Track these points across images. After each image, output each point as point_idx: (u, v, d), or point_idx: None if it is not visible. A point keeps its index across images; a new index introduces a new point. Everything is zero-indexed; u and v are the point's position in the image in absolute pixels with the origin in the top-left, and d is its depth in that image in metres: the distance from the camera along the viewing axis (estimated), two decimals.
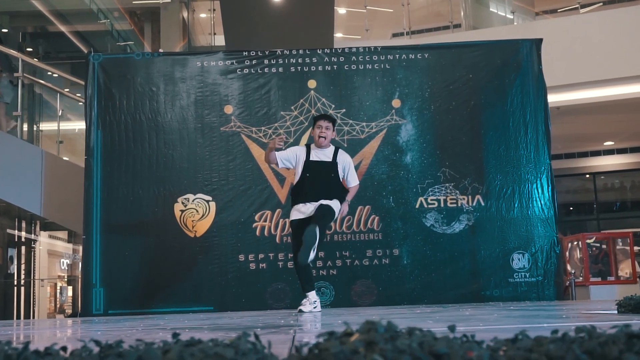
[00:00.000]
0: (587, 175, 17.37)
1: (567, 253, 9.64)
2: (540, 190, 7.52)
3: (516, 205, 7.50)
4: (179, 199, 7.46)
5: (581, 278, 8.87)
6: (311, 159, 5.88)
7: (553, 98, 10.11)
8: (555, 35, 11.75)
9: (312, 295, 5.81)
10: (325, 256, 7.39)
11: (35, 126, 11.07)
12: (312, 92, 7.71)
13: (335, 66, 7.78)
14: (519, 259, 7.39)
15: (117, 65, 7.83)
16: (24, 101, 9.70)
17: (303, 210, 5.80)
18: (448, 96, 7.73)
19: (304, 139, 7.59)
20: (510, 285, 7.37)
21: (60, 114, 10.44)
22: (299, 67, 7.78)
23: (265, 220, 7.45)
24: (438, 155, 7.61)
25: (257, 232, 7.41)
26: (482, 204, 7.51)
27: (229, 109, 7.68)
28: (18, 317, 11.24)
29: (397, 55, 7.82)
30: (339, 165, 5.91)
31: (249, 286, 7.34)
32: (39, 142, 10.80)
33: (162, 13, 13.34)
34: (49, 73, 12.21)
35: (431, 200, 7.53)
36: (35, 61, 11.88)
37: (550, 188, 7.54)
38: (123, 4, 14.95)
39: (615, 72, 12.09)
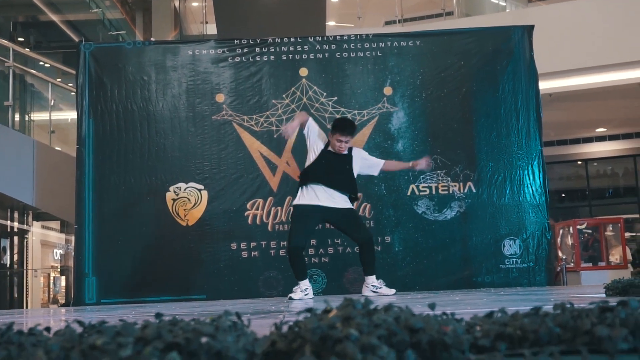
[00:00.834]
0: (580, 162, 17.43)
1: (559, 239, 9.69)
2: (531, 177, 7.54)
3: (507, 192, 7.52)
4: (171, 188, 7.45)
5: (572, 264, 8.92)
6: (328, 148, 5.96)
7: (545, 85, 10.14)
8: (547, 22, 11.76)
9: (304, 283, 5.86)
10: (317, 244, 7.41)
11: (27, 116, 11.04)
12: (303, 80, 7.70)
13: (326, 54, 7.77)
14: (510, 245, 7.42)
15: (108, 54, 7.80)
16: (15, 91, 9.67)
17: (321, 196, 5.84)
18: (440, 83, 7.73)
19: None
20: (502, 271, 7.40)
21: (52, 104, 10.41)
22: (290, 55, 7.77)
23: (257, 209, 7.46)
24: (430, 142, 7.62)
25: (249, 221, 7.42)
26: (474, 190, 7.53)
27: (220, 98, 7.67)
28: (11, 307, 11.25)
29: (389, 43, 7.81)
30: (353, 159, 6.01)
31: (241, 274, 7.35)
32: (31, 132, 10.77)
33: (154, 2, 13.28)
34: (41, 63, 12.18)
35: (423, 187, 7.54)
36: (26, 51, 11.82)
37: (541, 175, 7.56)
38: None
39: (607, 58, 12.13)
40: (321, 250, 7.41)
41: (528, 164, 7.55)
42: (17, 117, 10.35)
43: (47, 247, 16.43)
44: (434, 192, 7.52)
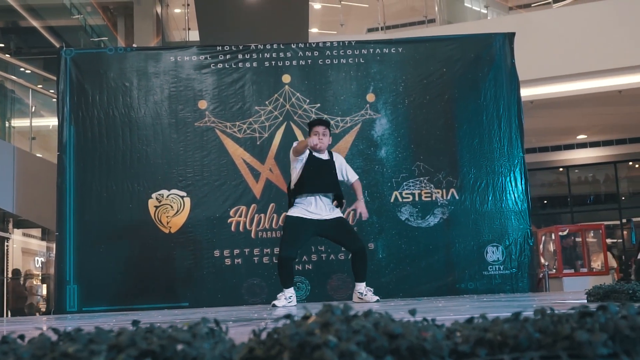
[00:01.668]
0: (561, 169, 17.56)
1: (541, 246, 9.74)
2: (513, 184, 7.58)
3: (490, 198, 7.55)
4: (153, 195, 7.41)
5: (555, 270, 8.97)
6: (313, 154, 5.99)
7: (526, 92, 10.20)
8: (528, 29, 11.86)
9: (289, 291, 5.85)
10: (301, 251, 7.39)
11: (7, 122, 10.94)
12: (286, 86, 7.70)
13: (309, 61, 7.78)
14: (493, 252, 7.45)
15: (89, 60, 7.75)
16: None
17: (312, 210, 5.89)
18: (422, 90, 7.75)
19: (279, 134, 7.58)
20: (485, 277, 7.42)
21: (32, 110, 10.33)
22: (273, 62, 7.76)
23: (240, 216, 7.43)
24: (412, 149, 7.64)
25: (232, 228, 7.39)
26: (457, 197, 7.55)
27: (203, 104, 7.64)
28: None
29: (372, 50, 7.83)
30: (335, 164, 6.09)
31: (224, 282, 7.32)
32: (11, 139, 10.67)
33: (136, 8, 13.22)
34: (22, 69, 12.08)
35: (406, 194, 7.55)
36: (7, 57, 11.72)
37: (523, 181, 7.60)
38: None
39: (587, 65, 12.24)
40: (305, 257, 7.39)
41: (510, 171, 7.59)
42: None
43: (28, 255, 16.27)
44: (417, 198, 7.53)
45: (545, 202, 18.35)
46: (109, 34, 15.10)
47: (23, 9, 14.22)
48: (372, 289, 6.10)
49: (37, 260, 16.62)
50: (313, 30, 15.88)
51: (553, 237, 9.41)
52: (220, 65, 7.73)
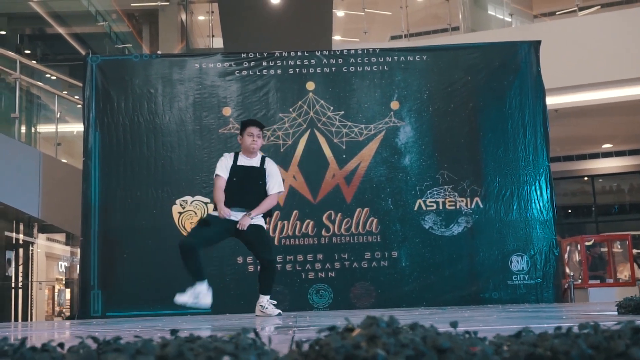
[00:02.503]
0: (586, 178, 17.37)
1: (566, 255, 9.63)
2: (539, 193, 7.51)
3: (515, 207, 7.49)
4: (177, 201, 7.44)
5: (580, 280, 8.86)
6: (238, 163, 5.66)
7: (551, 100, 10.09)
8: (553, 37, 11.75)
9: (202, 286, 5.57)
10: (324, 258, 7.38)
11: (32, 128, 11.05)
12: (310, 94, 7.70)
13: (333, 68, 7.77)
14: (517, 261, 7.38)
15: (115, 66, 7.81)
16: (21, 103, 9.68)
17: (234, 214, 5.56)
18: (446, 98, 7.72)
19: (303, 141, 7.58)
20: (509, 287, 7.36)
21: (58, 116, 10.42)
22: (297, 69, 7.77)
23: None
24: (436, 157, 7.60)
25: None
26: (481, 206, 7.50)
27: (227, 111, 7.67)
28: (16, 320, 11.21)
29: (396, 57, 7.81)
30: (266, 171, 5.68)
31: (247, 288, 7.28)
32: (37, 145, 10.77)
33: (161, 15, 13.33)
34: (47, 75, 12.20)
35: (430, 202, 7.51)
36: (33, 63, 11.85)
37: (549, 190, 7.53)
38: (121, 6, 14.94)
39: (613, 74, 12.10)
40: (328, 265, 7.37)
41: (535, 180, 7.53)
42: (22, 129, 10.36)
43: (52, 260, 16.42)
44: (441, 207, 7.49)
45: (570, 211, 18.17)
46: (134, 41, 15.22)
47: (49, 16, 14.38)
48: (275, 302, 5.81)
49: (61, 265, 16.76)
50: (336, 37, 15.89)
51: (579, 247, 9.30)
52: (244, 73, 7.75)
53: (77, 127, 11.30)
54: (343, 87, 7.74)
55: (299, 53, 7.82)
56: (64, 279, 16.61)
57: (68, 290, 16.53)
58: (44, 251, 15.17)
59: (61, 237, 15.13)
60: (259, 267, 6.12)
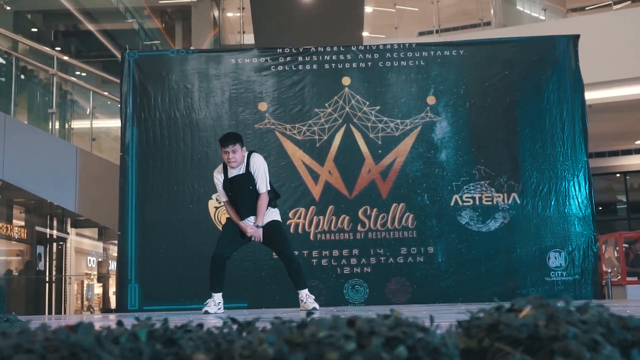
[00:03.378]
0: (618, 175, 17.16)
1: (603, 252, 9.51)
2: (577, 188, 7.43)
3: (553, 203, 7.41)
4: (214, 196, 7.46)
5: (619, 277, 8.75)
6: (228, 176, 5.68)
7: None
8: (587, 32, 11.59)
9: (218, 296, 5.70)
10: (360, 254, 7.37)
11: (66, 124, 11.16)
12: (346, 89, 7.68)
13: (369, 63, 7.75)
14: (555, 258, 7.31)
15: (151, 62, 7.86)
16: (57, 99, 9.78)
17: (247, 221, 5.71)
18: (483, 93, 7.66)
19: (338, 136, 7.57)
20: (547, 284, 7.29)
21: (92, 112, 10.51)
22: (333, 64, 7.76)
23: (299, 218, 7.44)
24: (473, 152, 7.55)
25: (292, 229, 7.39)
26: (518, 201, 7.43)
27: (263, 106, 7.68)
28: (50, 313, 11.33)
29: (432, 52, 7.77)
30: (253, 175, 5.64)
31: (283, 283, 7.26)
32: (71, 140, 10.88)
33: (194, 11, 13.40)
34: (77, 73, 12.31)
35: (466, 198, 7.46)
36: (71, 60, 11.97)
37: (587, 186, 7.45)
38: (150, 3, 15.03)
39: None
40: (363, 260, 7.36)
41: (574, 175, 7.45)
42: (57, 124, 10.47)
43: (84, 255, 16.56)
44: (477, 202, 7.44)
45: (600, 208, 17.96)
46: (162, 38, 15.31)
47: (80, 13, 14.51)
48: (313, 296, 5.85)
49: (92, 260, 16.89)
50: (364, 33, 15.84)
51: (615, 243, 9.19)
52: (280, 68, 7.75)
53: (108, 123, 11.41)
54: (379, 82, 7.71)
55: (335, 48, 7.80)
56: (96, 274, 16.74)
57: (99, 286, 16.67)
58: (76, 246, 15.31)
59: (93, 232, 15.26)
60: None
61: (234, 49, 10.26)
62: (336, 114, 7.62)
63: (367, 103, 7.65)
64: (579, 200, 7.42)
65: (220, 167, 5.79)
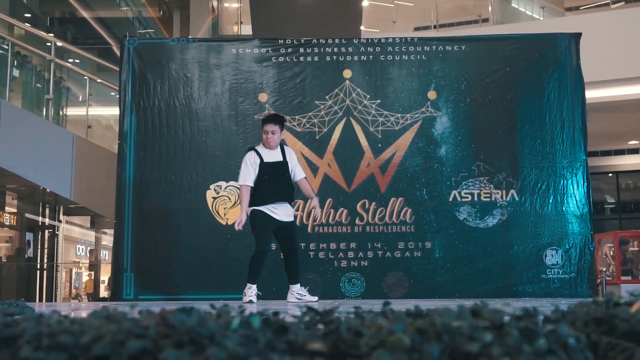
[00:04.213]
0: (610, 174, 17.23)
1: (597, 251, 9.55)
2: (575, 187, 7.44)
3: (551, 201, 7.42)
4: (212, 186, 7.42)
5: (614, 275, 8.80)
6: (265, 161, 6.03)
7: None
8: (583, 31, 11.63)
9: (254, 287, 6.05)
10: (357, 247, 7.35)
11: (61, 111, 11.06)
12: (347, 82, 7.65)
13: (371, 56, 7.71)
14: (552, 255, 7.32)
15: (151, 50, 7.79)
16: (54, 85, 9.67)
17: (274, 211, 6.01)
18: (484, 89, 7.65)
19: (338, 129, 7.54)
20: (543, 281, 7.30)
21: (88, 99, 10.42)
22: (334, 57, 7.72)
23: (297, 210, 7.39)
24: (473, 148, 7.54)
25: None
26: (516, 198, 7.44)
27: (263, 97, 7.63)
28: (40, 300, 11.25)
29: (434, 47, 7.75)
30: (289, 164, 6.12)
31: (279, 275, 7.23)
32: (66, 127, 10.79)
33: (192, 0, 13.29)
34: (70, 60, 12.20)
35: (465, 193, 7.46)
36: (68, 45, 11.85)
37: (585, 184, 7.46)
38: None
39: None
40: (360, 253, 7.34)
41: (572, 174, 7.46)
42: (51, 111, 10.37)
43: (75, 243, 16.46)
44: (476, 198, 7.44)
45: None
46: (156, 27, 15.21)
47: (77, 1, 14.37)
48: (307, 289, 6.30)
49: (84, 248, 16.80)
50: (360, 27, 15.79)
51: (612, 242, 9.23)
52: (281, 59, 7.71)
53: (103, 111, 11.33)
54: (380, 76, 7.68)
55: (336, 40, 7.76)
56: (87, 262, 16.66)
57: (85, 274, 16.59)
58: (68, 234, 15.21)
59: (85, 221, 15.16)
60: (282, 256, 6.32)
61: (234, 38, 10.18)
62: (336, 107, 7.59)
63: (368, 96, 7.62)
64: (577, 198, 7.43)
65: (253, 152, 6.08)
